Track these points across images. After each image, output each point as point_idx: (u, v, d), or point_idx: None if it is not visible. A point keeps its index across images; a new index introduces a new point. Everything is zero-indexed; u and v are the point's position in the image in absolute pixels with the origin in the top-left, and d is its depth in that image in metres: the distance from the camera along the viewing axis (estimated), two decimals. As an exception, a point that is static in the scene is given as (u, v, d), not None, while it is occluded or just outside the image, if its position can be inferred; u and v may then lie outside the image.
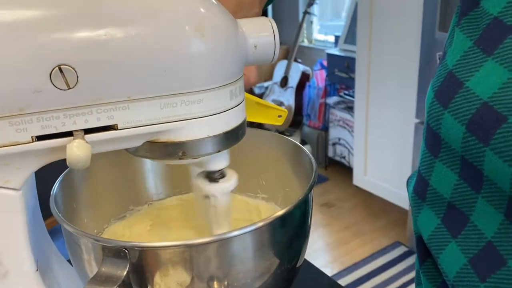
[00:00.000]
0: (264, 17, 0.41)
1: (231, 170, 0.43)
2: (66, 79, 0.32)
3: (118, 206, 0.53)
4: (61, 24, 0.31)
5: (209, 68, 0.35)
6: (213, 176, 0.42)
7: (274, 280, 0.41)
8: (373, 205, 2.43)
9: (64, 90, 0.32)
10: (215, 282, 0.38)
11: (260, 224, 0.37)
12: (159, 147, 0.37)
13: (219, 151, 0.39)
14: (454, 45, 0.37)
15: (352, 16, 2.44)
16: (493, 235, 0.33)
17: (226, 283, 0.38)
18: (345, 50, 2.51)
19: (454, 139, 0.34)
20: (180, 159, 0.38)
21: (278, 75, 3.07)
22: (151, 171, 0.55)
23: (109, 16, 0.32)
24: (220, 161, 0.41)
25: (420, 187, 0.40)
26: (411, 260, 2.02)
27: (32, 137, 0.33)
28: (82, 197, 0.48)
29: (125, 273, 0.34)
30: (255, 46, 0.39)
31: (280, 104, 3.01)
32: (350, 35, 2.45)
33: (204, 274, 0.37)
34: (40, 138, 0.33)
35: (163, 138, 0.37)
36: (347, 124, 2.53)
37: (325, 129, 2.70)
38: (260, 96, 3.18)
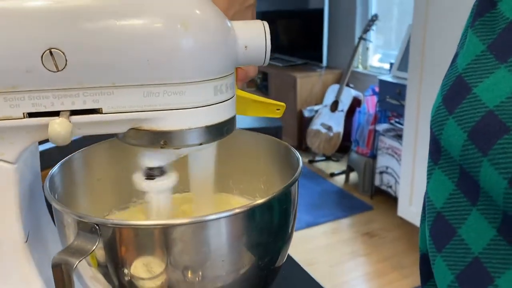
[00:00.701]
0: (258, 20, 0.43)
1: (173, 170, 0.44)
2: (55, 62, 0.35)
3: (121, 197, 0.55)
4: (55, 12, 0.34)
5: (191, 61, 0.37)
6: (150, 173, 0.43)
7: (249, 275, 0.41)
8: (417, 237, 2.32)
9: (54, 72, 0.35)
10: (186, 269, 0.39)
11: (237, 210, 0.38)
12: (143, 134, 0.39)
13: (200, 144, 0.41)
14: (466, 47, 0.35)
15: (407, 43, 2.40)
16: (481, 251, 0.31)
17: (196, 271, 0.39)
18: (397, 77, 2.47)
19: (454, 147, 0.33)
20: (162, 147, 0.40)
21: (329, 98, 3.06)
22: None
23: (99, 6, 0.35)
24: (156, 159, 0.42)
25: (424, 197, 0.39)
26: (453, 300, 1.91)
27: (23, 113, 0.36)
28: (84, 183, 0.51)
29: (94, 247, 0.36)
30: (245, 47, 0.41)
31: (329, 128, 2.99)
32: (404, 62, 2.41)
33: (176, 258, 0.38)
34: (31, 115, 0.36)
35: (146, 126, 0.39)
36: (396, 153, 2.46)
37: (373, 156, 2.64)
38: (310, 119, 3.18)
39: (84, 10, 0.35)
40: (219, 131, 0.41)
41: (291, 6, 3.61)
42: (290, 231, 0.45)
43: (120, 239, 0.37)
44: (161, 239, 0.38)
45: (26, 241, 0.42)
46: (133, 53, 0.36)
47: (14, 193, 0.40)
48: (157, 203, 0.45)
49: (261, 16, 3.94)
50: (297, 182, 0.45)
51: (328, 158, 3.18)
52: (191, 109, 0.39)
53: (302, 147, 3.31)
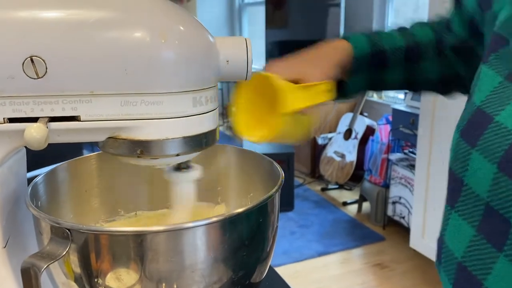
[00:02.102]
0: (240, 37, 0.43)
1: (197, 164, 0.47)
2: (36, 69, 0.36)
3: (108, 209, 0.56)
4: (36, 21, 0.36)
5: (169, 72, 0.38)
6: (179, 166, 0.46)
7: (222, 290, 0.41)
8: (429, 271, 2.26)
9: (34, 79, 0.36)
10: (155, 278, 0.38)
11: (212, 219, 0.38)
12: (121, 143, 0.40)
13: (178, 155, 0.41)
14: (481, 82, 0.35)
15: (421, 73, 2.40)
16: None
17: (168, 281, 0.39)
18: (411, 107, 2.45)
19: (481, 182, 0.31)
20: (138, 157, 0.40)
21: (342, 126, 3.05)
22: (145, 182, 0.58)
23: (79, 17, 0.36)
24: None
25: (437, 247, 0.36)
26: (466, 337, 1.83)
27: (4, 118, 0.37)
28: (71, 194, 0.52)
29: (64, 252, 0.36)
30: (227, 61, 0.42)
31: (342, 156, 2.97)
32: (418, 92, 2.40)
33: (144, 266, 0.38)
34: (11, 120, 0.37)
35: (124, 135, 0.39)
36: (409, 183, 2.43)
37: (386, 186, 2.60)
38: (323, 146, 3.17)
39: (65, 20, 0.36)
40: (197, 143, 0.41)
41: (309, 36, 3.65)
42: (267, 246, 0.44)
43: (93, 245, 0.37)
44: (133, 246, 0.38)
45: (5, 247, 0.42)
46: (111, 63, 0.37)
47: (-6, 198, 0.41)
48: (181, 191, 0.47)
49: (279, 45, 4.00)
50: (277, 197, 0.44)
51: (341, 187, 3.15)
52: (169, 119, 0.39)
53: (316, 174, 3.29)
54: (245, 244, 0.41)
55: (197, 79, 0.40)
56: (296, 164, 3.17)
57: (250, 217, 0.41)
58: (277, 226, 0.46)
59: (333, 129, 3.20)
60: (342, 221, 2.83)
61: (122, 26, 0.37)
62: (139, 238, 0.37)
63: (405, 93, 2.66)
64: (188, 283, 0.39)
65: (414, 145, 2.44)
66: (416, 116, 2.29)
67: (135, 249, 0.38)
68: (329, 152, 3.08)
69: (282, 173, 0.47)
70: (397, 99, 2.99)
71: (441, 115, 1.96)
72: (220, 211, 0.56)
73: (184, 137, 0.40)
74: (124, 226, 0.54)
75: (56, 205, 0.49)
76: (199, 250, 0.39)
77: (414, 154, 2.43)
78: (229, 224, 0.39)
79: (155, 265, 0.38)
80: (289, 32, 3.89)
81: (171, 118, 0.39)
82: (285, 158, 2.50)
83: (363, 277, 2.30)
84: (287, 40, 3.94)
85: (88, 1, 0.37)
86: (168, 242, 0.38)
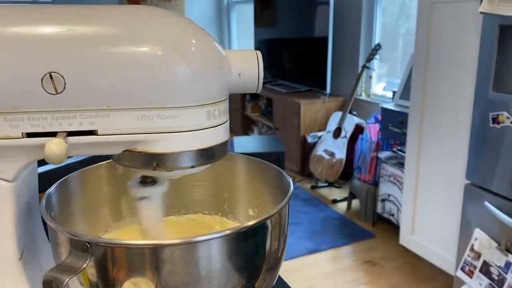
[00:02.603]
0: (251, 50, 0.44)
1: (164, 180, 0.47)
2: (55, 85, 0.36)
3: (115, 218, 0.56)
4: (55, 38, 0.36)
5: (185, 87, 0.39)
6: (146, 180, 0.46)
7: (236, 299, 0.42)
8: (419, 268, 2.30)
9: (53, 94, 0.37)
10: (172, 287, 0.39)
11: (226, 232, 0.39)
12: (137, 156, 0.41)
13: (192, 167, 0.42)
14: None
15: (410, 72, 2.43)
16: None
17: (183, 292, 0.40)
18: (400, 106, 2.48)
19: None
20: (154, 169, 0.41)
21: (332, 125, 3.08)
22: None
23: (98, 34, 0.37)
24: None
25: None
26: (455, 332, 1.87)
27: (22, 133, 0.38)
28: (80, 203, 0.52)
29: (84, 265, 0.37)
30: (239, 75, 0.43)
31: (332, 154, 3.00)
32: (406, 91, 2.43)
33: (165, 279, 0.38)
34: (29, 135, 0.38)
35: (140, 148, 0.40)
36: (398, 181, 2.46)
37: (375, 184, 2.64)
38: (313, 145, 3.19)
39: (84, 36, 0.37)
40: (211, 155, 0.42)
41: (297, 34, 3.67)
42: (280, 252, 0.45)
43: (111, 257, 0.38)
44: (151, 259, 0.38)
45: (20, 258, 0.43)
46: (128, 78, 0.37)
47: (10, 211, 0.41)
48: (147, 209, 0.47)
49: (267, 43, 4.01)
50: (287, 207, 0.45)
51: (330, 184, 3.17)
52: (184, 133, 0.40)
53: (305, 172, 3.32)
54: (260, 253, 0.42)
55: (211, 93, 0.41)
56: (286, 163, 3.19)
57: (264, 227, 0.42)
58: (287, 232, 0.47)
59: (322, 127, 3.23)
60: (332, 218, 2.86)
61: (139, 42, 0.37)
62: (157, 250, 0.38)
63: (393, 92, 2.69)
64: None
65: (402, 144, 2.47)
66: (405, 115, 2.32)
67: (152, 261, 0.38)
68: (319, 150, 3.11)
69: (291, 182, 0.48)
70: (385, 98, 3.02)
71: (430, 114, 1.99)
72: (224, 222, 0.57)
73: (199, 150, 0.41)
74: (132, 231, 0.55)
75: (68, 215, 0.50)
76: (215, 261, 0.39)
77: (403, 152, 2.46)
78: (243, 236, 0.40)
79: (172, 276, 0.39)
80: (277, 30, 3.91)
81: (187, 132, 0.40)
82: (275, 157, 2.51)
83: (354, 274, 2.33)
84: (275, 38, 3.95)
85: (105, 17, 0.38)
86: (184, 254, 0.39)
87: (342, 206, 2.98)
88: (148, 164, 0.41)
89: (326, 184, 3.19)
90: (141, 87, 0.38)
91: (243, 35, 4.89)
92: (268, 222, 0.42)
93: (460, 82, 1.81)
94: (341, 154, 2.95)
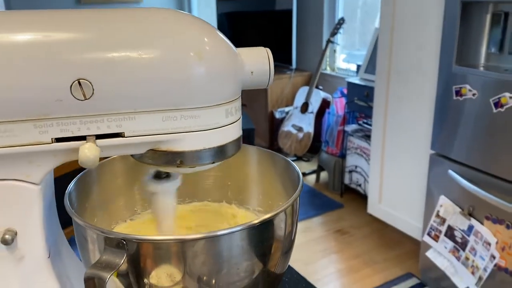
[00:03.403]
0: (261, 47, 0.46)
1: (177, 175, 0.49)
2: (83, 91, 0.38)
3: (126, 209, 0.58)
4: (83, 45, 0.37)
5: (206, 88, 0.41)
6: (160, 175, 0.48)
7: (257, 282, 0.45)
8: (387, 234, 2.42)
9: (81, 100, 0.38)
10: (202, 277, 0.42)
11: (244, 226, 0.41)
12: (160, 155, 0.43)
13: (213, 163, 0.44)
14: None
15: (374, 46, 2.49)
16: None
17: (212, 279, 0.43)
18: (365, 80, 2.55)
19: None
20: (178, 167, 0.43)
21: (299, 100, 3.12)
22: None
23: (123, 40, 0.38)
24: None
25: None
26: (422, 292, 2.00)
27: (52, 138, 0.39)
28: (94, 198, 0.54)
29: (122, 261, 0.39)
30: (251, 72, 0.45)
31: (300, 129, 3.06)
32: (371, 65, 2.50)
33: (192, 268, 0.41)
34: (58, 140, 0.39)
35: (164, 147, 0.42)
36: (364, 152, 2.55)
37: (343, 156, 2.72)
38: (281, 120, 3.23)
39: (110, 42, 0.38)
40: (229, 150, 0.45)
41: (258, 7, 3.65)
42: (293, 237, 0.49)
43: (145, 252, 0.40)
44: (178, 252, 0.41)
45: (49, 257, 0.44)
46: (153, 82, 0.39)
47: (38, 212, 0.42)
48: (162, 203, 0.49)
49: (229, 17, 3.97)
50: (299, 196, 0.49)
51: (299, 159, 3.25)
52: (205, 131, 0.42)
53: (274, 148, 3.37)
54: (277, 240, 0.45)
55: (229, 92, 0.43)
56: (255, 139, 3.22)
57: (281, 217, 0.45)
58: (298, 216, 0.50)
59: (290, 103, 3.27)
60: (302, 191, 2.94)
61: (162, 48, 0.39)
62: (184, 244, 0.41)
63: (358, 66, 2.76)
64: (224, 275, 0.43)
65: (368, 117, 2.55)
66: (370, 88, 2.39)
67: (181, 254, 0.41)
68: (287, 126, 3.16)
69: (299, 172, 0.51)
70: (349, 71, 3.09)
71: (395, 88, 2.07)
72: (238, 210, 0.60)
73: (219, 146, 0.43)
74: (144, 223, 0.57)
75: (84, 208, 0.51)
76: (238, 252, 0.43)
77: (369, 125, 2.55)
78: (262, 227, 0.43)
79: (201, 266, 0.42)
80: (240, 3, 3.87)
81: (208, 130, 0.42)
82: (245, 134, 2.54)
83: (325, 244, 2.43)
84: (238, 11, 3.92)
85: (128, 25, 0.39)
86: (207, 247, 0.41)
87: (311, 179, 3.07)
88: (171, 162, 0.43)
89: (295, 159, 3.26)
90: (165, 90, 0.39)
91: (204, 8, 4.79)
92: (284, 212, 0.45)
93: (424, 56, 1.89)
94: (309, 128, 3.01)
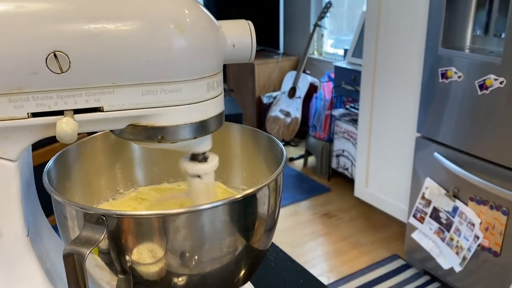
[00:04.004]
0: (243, 20, 0.46)
1: (212, 153, 0.49)
2: (59, 64, 0.37)
3: (108, 189, 0.57)
4: (58, 16, 0.36)
5: (187, 61, 0.40)
6: (198, 158, 0.47)
7: (240, 258, 0.45)
8: (373, 217, 2.45)
9: (58, 73, 0.37)
10: (185, 253, 0.42)
11: (226, 200, 0.41)
12: (141, 130, 0.42)
13: (195, 138, 0.44)
14: None
15: (361, 30, 2.49)
16: None
17: (195, 255, 0.42)
18: (352, 64, 2.55)
19: None
20: (159, 142, 0.42)
21: (286, 85, 3.12)
22: (140, 159, 0.60)
23: (101, 11, 0.37)
24: (205, 144, 0.47)
25: None
26: (408, 273, 2.03)
27: (28, 113, 0.38)
28: (75, 177, 0.53)
29: (102, 237, 0.38)
30: (233, 46, 0.44)
31: (287, 114, 3.05)
32: (358, 49, 2.49)
33: (174, 244, 0.41)
34: (35, 115, 0.38)
35: (144, 122, 0.41)
36: (351, 137, 2.56)
37: (330, 140, 2.73)
38: (268, 105, 3.23)
39: (87, 14, 0.37)
40: (211, 125, 0.44)
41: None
42: (277, 213, 0.49)
43: (125, 228, 0.40)
44: (161, 227, 0.40)
45: (28, 235, 0.43)
46: (133, 55, 0.38)
47: (16, 190, 0.42)
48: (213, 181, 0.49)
49: (215, 1, 3.91)
50: (282, 173, 0.48)
51: (287, 143, 3.25)
52: (186, 106, 0.41)
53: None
54: (260, 216, 0.45)
55: (210, 66, 0.42)
56: (243, 124, 3.21)
57: (264, 192, 0.45)
58: (281, 193, 0.50)
59: (277, 88, 3.26)
60: (290, 176, 2.95)
61: (141, 19, 0.38)
62: (165, 219, 0.40)
63: (345, 50, 2.75)
64: (205, 251, 0.43)
65: (355, 101, 2.56)
66: (357, 72, 2.39)
67: (163, 229, 0.40)
68: (275, 111, 3.15)
69: (283, 148, 0.51)
70: (337, 55, 3.08)
71: (382, 71, 2.07)
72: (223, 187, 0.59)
73: (201, 121, 0.43)
74: (126, 202, 0.57)
75: (64, 186, 0.50)
76: (221, 227, 0.42)
77: (356, 109, 2.55)
78: (245, 202, 0.43)
79: (184, 241, 0.41)
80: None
81: (189, 104, 0.41)
82: (234, 119, 2.53)
83: (313, 227, 2.45)
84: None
85: (106, -6, 0.38)
86: (190, 222, 0.41)
87: (299, 164, 3.08)
88: (152, 137, 0.42)
89: (283, 143, 3.25)
90: (145, 63, 0.38)
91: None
92: (267, 187, 0.45)
93: (410, 39, 1.89)
94: (296, 113, 3.01)
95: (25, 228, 0.43)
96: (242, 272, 0.47)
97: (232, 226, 0.43)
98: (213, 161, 0.48)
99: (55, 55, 0.36)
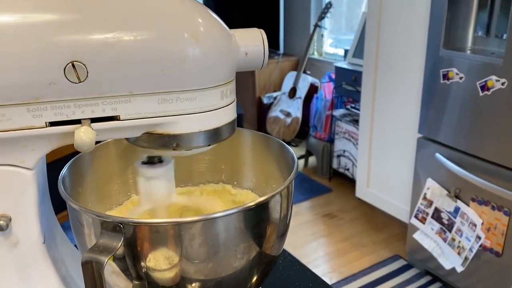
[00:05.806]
0: (256, 28, 0.46)
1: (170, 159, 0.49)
2: (77, 74, 0.37)
3: (120, 193, 0.58)
4: (76, 27, 0.37)
5: (202, 70, 0.40)
6: (152, 160, 0.48)
7: (253, 264, 0.46)
8: (375, 217, 2.45)
9: (75, 83, 0.37)
10: (198, 259, 0.42)
11: (240, 208, 0.42)
12: (156, 138, 0.42)
13: (209, 145, 0.44)
14: None
15: (362, 31, 2.49)
16: None
17: (210, 261, 0.43)
18: (353, 64, 2.56)
19: None
20: (174, 149, 0.43)
21: (287, 85, 3.12)
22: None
23: (118, 21, 0.37)
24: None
25: None
26: (410, 273, 2.04)
27: (46, 122, 0.38)
28: (87, 182, 0.53)
29: (119, 244, 0.39)
30: (246, 54, 0.45)
31: (288, 114, 3.06)
32: (359, 49, 2.50)
33: (189, 251, 0.41)
34: (52, 124, 0.38)
35: (160, 130, 0.42)
36: (352, 137, 2.57)
37: (331, 141, 2.74)
38: (269, 106, 3.23)
39: (104, 24, 0.37)
40: (225, 132, 0.45)
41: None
42: (289, 219, 0.49)
43: (142, 235, 0.40)
44: (175, 234, 0.41)
45: (44, 242, 0.44)
46: (149, 64, 0.38)
47: (32, 198, 0.42)
48: (150, 188, 0.49)
49: (215, 1, 3.92)
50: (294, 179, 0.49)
51: (287, 144, 3.25)
52: (201, 113, 0.42)
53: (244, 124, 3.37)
54: (273, 222, 0.46)
55: (224, 74, 0.42)
56: (244, 124, 3.22)
57: (276, 199, 0.45)
58: (293, 200, 0.51)
59: (277, 88, 3.26)
60: (291, 176, 2.95)
61: (157, 29, 0.38)
62: (181, 227, 0.41)
63: (345, 50, 2.76)
64: (220, 257, 0.43)
65: (356, 101, 2.56)
66: (358, 73, 2.40)
67: (177, 236, 0.41)
68: (275, 111, 3.16)
69: (294, 155, 0.51)
70: (337, 56, 3.09)
71: (383, 72, 2.07)
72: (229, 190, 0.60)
73: (215, 128, 0.43)
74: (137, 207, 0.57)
75: (77, 192, 0.51)
76: (235, 234, 0.43)
77: (356, 109, 2.56)
78: (258, 209, 0.43)
79: (195, 248, 0.42)
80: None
81: (203, 112, 0.42)
82: (234, 120, 2.53)
83: (314, 227, 2.45)
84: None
85: (124, 6, 0.38)
86: (205, 229, 0.41)
87: (299, 164, 3.08)
88: (167, 145, 0.42)
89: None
90: (161, 72, 0.39)
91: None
92: (279, 194, 0.45)
93: (411, 40, 1.89)
94: (297, 113, 3.01)
95: (41, 235, 0.43)
96: (255, 278, 0.47)
97: (246, 232, 0.43)
98: (169, 163, 0.49)
99: (73, 65, 0.37)
